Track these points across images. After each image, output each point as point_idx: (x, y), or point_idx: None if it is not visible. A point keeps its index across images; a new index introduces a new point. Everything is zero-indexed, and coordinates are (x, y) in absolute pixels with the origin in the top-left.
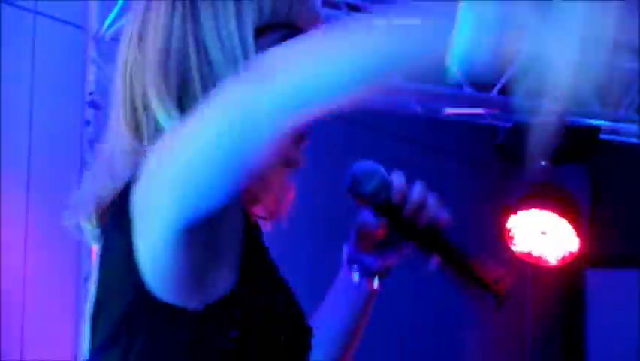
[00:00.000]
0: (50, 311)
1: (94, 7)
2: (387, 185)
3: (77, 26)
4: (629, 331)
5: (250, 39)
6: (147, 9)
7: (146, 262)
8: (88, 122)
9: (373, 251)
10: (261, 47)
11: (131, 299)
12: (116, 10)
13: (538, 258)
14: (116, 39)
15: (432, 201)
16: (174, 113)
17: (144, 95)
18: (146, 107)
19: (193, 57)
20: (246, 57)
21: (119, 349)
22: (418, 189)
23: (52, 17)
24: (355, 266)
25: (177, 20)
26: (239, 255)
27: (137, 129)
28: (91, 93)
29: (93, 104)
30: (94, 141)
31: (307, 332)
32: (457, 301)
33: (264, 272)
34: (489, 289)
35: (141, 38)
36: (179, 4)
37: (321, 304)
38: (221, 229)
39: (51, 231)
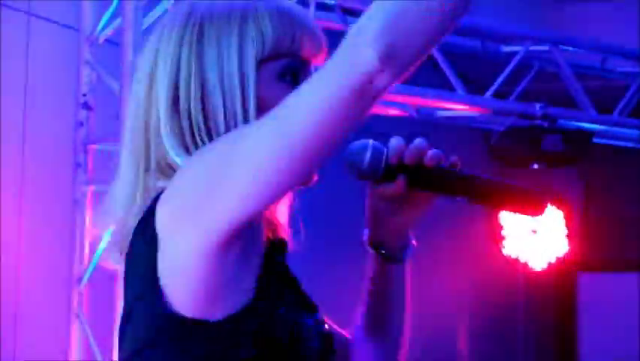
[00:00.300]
0: (43, 312)
1: (87, 9)
2: (382, 151)
3: (71, 28)
4: (620, 334)
5: (250, 78)
6: (157, 52)
7: (173, 275)
8: (81, 124)
9: (392, 225)
10: (262, 77)
11: (155, 316)
12: (109, 12)
13: (526, 262)
14: (109, 41)
15: (434, 150)
16: (180, 151)
17: (157, 135)
18: (157, 145)
19: (195, 102)
20: (243, 96)
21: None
22: (415, 141)
23: (45, 19)
24: (379, 248)
25: (184, 61)
26: (258, 267)
27: (147, 161)
28: (84, 95)
29: (86, 106)
30: (87, 142)
31: (328, 338)
32: (449, 304)
33: (280, 284)
34: (528, 204)
35: (152, 78)
36: (186, 42)
37: (360, 299)
38: (251, 238)
39: (44, 232)
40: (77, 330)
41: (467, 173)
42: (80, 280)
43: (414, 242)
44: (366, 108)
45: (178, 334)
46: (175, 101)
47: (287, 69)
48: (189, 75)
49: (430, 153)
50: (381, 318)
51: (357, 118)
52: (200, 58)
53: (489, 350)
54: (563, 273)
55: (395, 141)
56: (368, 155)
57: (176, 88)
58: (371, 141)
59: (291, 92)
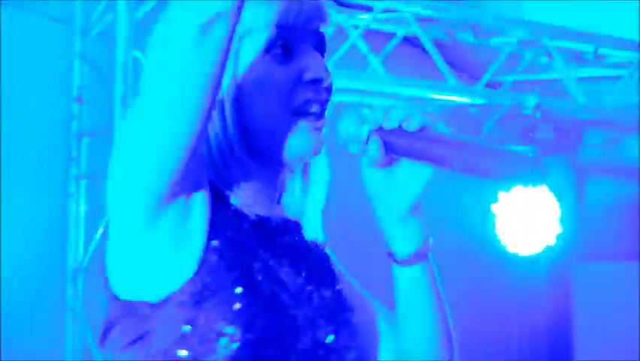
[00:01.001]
0: (37, 308)
1: (80, 2)
2: (365, 117)
3: (64, 22)
4: (615, 323)
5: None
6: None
7: (111, 257)
8: (74, 116)
9: (393, 202)
10: (244, 54)
11: (107, 300)
12: (102, 5)
13: (518, 246)
14: (101, 34)
15: (417, 116)
16: None
17: None
18: None
19: None
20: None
21: (108, 342)
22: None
23: (39, 13)
24: (395, 254)
25: None
26: (199, 250)
27: None
28: (78, 88)
29: (79, 99)
30: (80, 135)
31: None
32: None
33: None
34: (510, 171)
35: None
36: None
37: (395, 311)
38: (183, 215)
39: (34, 227)
40: (72, 325)
41: (452, 139)
42: (74, 274)
43: (430, 243)
44: (214, 47)
45: (122, 314)
46: None
47: (271, 43)
48: None
49: (411, 118)
50: (401, 326)
51: (209, 58)
52: None
53: (482, 342)
54: (556, 263)
55: (379, 110)
56: (347, 124)
57: None
58: (357, 113)
59: (284, 65)
